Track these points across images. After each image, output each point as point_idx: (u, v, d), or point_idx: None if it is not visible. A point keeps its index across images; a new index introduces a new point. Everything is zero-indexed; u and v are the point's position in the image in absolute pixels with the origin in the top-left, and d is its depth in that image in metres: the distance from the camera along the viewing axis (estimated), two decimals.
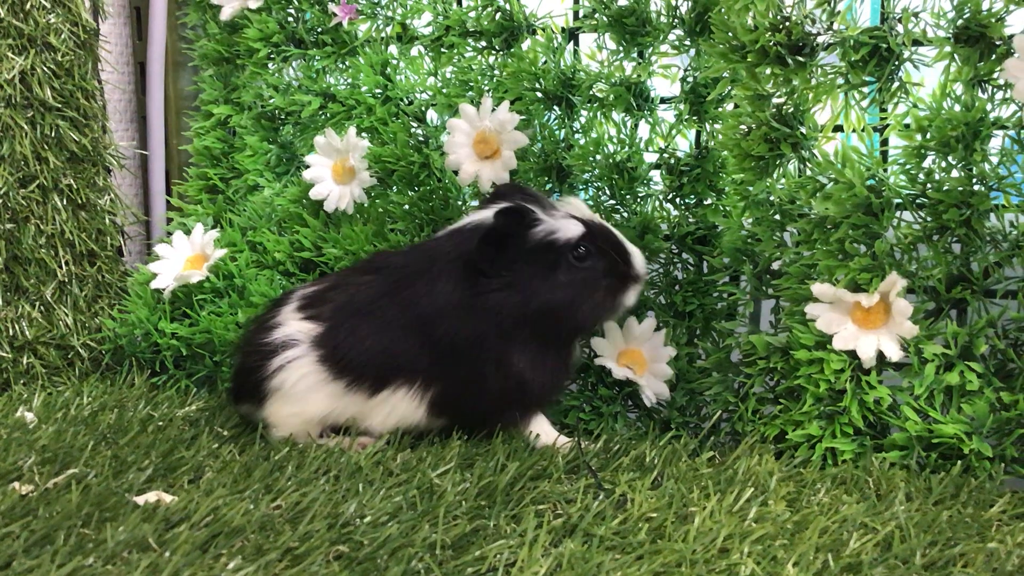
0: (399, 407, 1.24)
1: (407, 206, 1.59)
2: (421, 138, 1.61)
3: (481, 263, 1.20)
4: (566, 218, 1.23)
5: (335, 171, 1.61)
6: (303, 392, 1.23)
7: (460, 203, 1.58)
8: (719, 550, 0.91)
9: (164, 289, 1.59)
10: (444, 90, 1.58)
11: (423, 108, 1.62)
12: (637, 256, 1.26)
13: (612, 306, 1.26)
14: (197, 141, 1.78)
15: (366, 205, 1.61)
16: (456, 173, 1.50)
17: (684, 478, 1.10)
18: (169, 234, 1.68)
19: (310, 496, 1.02)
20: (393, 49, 1.64)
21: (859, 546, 0.91)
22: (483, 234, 1.20)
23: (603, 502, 1.03)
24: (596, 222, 1.26)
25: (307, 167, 1.61)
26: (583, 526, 0.97)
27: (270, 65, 1.72)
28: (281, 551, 0.89)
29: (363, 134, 1.59)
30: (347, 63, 1.66)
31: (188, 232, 1.64)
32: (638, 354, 1.40)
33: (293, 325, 1.26)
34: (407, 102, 1.63)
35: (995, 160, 1.19)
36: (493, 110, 1.47)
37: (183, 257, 1.62)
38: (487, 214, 1.24)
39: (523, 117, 1.46)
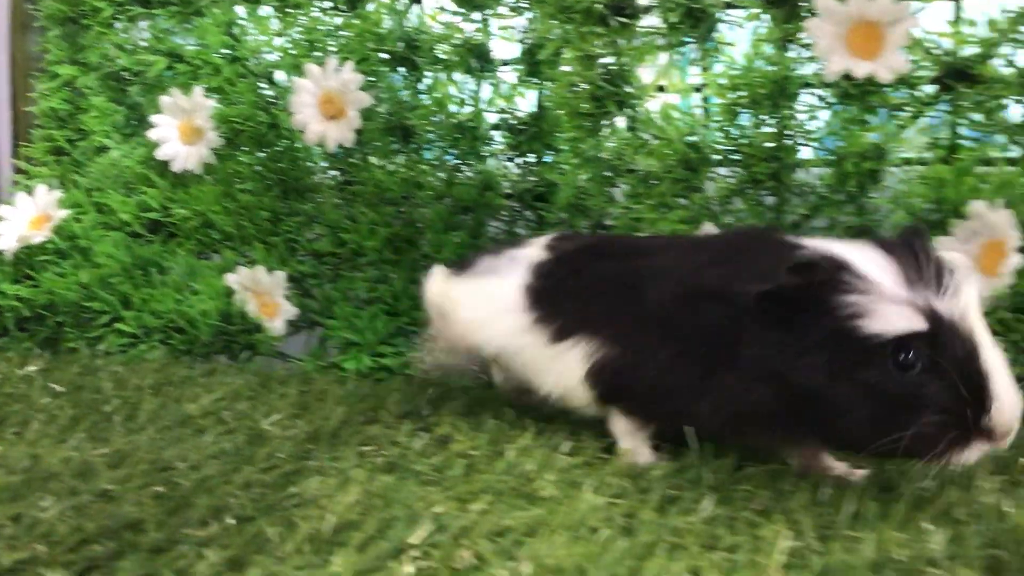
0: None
1: (256, 167, 1.60)
2: (269, 99, 1.61)
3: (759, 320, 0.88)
4: (903, 303, 0.83)
5: (182, 131, 1.61)
6: None
7: (309, 163, 1.59)
8: (526, 479, 0.96)
9: (5, 250, 1.57)
10: (292, 51, 1.59)
11: (271, 69, 1.62)
12: (1008, 402, 0.82)
13: (937, 456, 0.83)
14: (43, 102, 1.75)
15: (214, 166, 1.61)
16: (302, 133, 1.51)
17: (506, 417, 1.15)
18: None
19: (135, 443, 1.04)
20: (240, 9, 1.64)
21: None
22: (766, 291, 0.87)
23: (430, 444, 1.08)
24: (952, 320, 0.83)
25: (152, 127, 1.60)
26: (403, 464, 1.01)
27: (116, 25, 1.70)
28: (96, 493, 0.91)
29: (211, 94, 1.59)
30: (194, 23, 1.66)
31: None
32: None
33: None
34: (254, 62, 1.63)
35: (802, 116, 1.27)
36: (338, 70, 1.49)
37: (26, 218, 1.60)
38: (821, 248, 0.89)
39: (368, 78, 1.49)
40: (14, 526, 0.81)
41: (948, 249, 1.14)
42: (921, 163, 1.22)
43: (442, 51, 1.50)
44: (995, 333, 1.09)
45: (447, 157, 1.51)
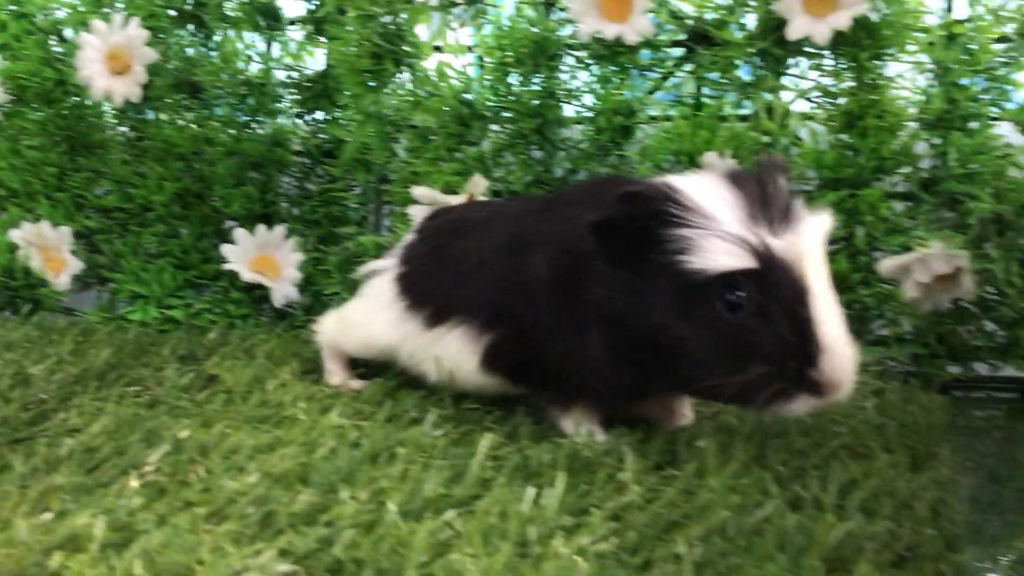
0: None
1: (44, 123, 1.59)
2: (57, 55, 1.60)
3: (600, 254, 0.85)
4: (732, 240, 0.78)
5: None
6: None
7: (98, 120, 1.59)
8: (279, 407, 1.02)
9: None
10: (80, 7, 1.58)
11: (58, 25, 1.61)
12: (838, 355, 0.75)
13: (760, 407, 0.78)
14: None
15: (1, 122, 1.59)
16: (89, 88, 1.51)
17: (276, 357, 1.20)
18: None
19: None
20: None
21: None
22: (599, 220, 0.83)
23: (195, 380, 1.12)
24: (785, 261, 0.77)
25: None
26: (166, 400, 1.05)
27: None
28: None
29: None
30: None
31: None
32: (271, 260, 1.49)
33: None
34: (42, 18, 1.61)
35: (564, 75, 1.36)
36: (124, 26, 1.50)
37: None
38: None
39: (156, 35, 1.50)
40: None
41: None
42: (667, 119, 1.33)
43: (230, 8, 1.52)
44: None
45: (236, 114, 1.54)
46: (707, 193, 0.80)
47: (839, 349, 0.75)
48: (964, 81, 1.20)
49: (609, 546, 0.67)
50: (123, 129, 1.59)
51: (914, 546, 0.66)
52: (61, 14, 1.61)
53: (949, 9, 1.25)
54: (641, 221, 0.81)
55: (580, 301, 0.87)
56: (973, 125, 1.19)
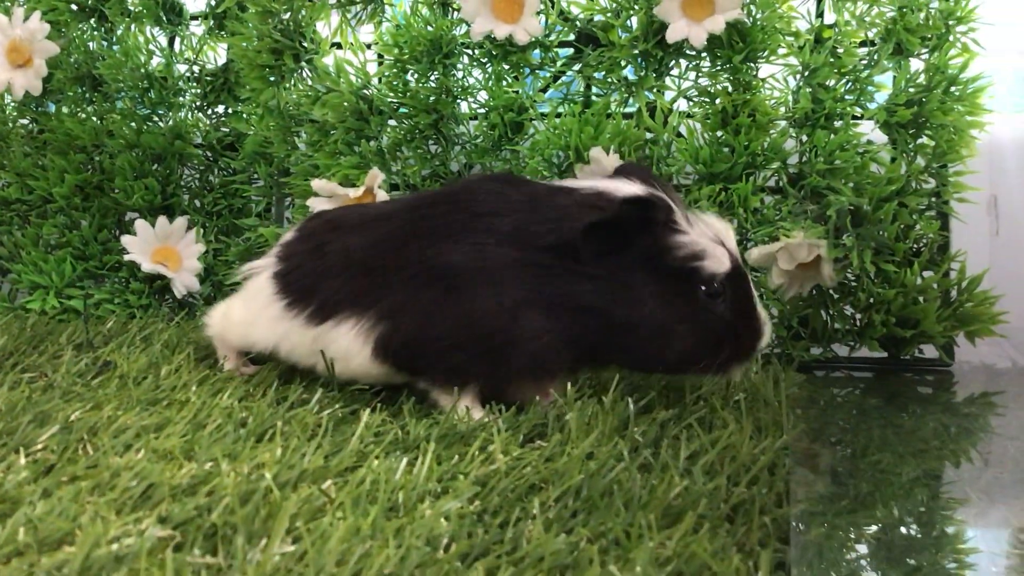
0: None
1: None
2: None
3: (584, 251, 0.93)
4: (713, 240, 0.96)
5: None
6: None
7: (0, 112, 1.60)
8: (172, 390, 1.05)
9: None
10: None
11: None
12: (767, 328, 0.99)
13: (718, 372, 0.97)
14: None
15: None
16: None
17: (172, 345, 1.23)
18: None
19: None
20: None
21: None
22: (597, 221, 0.92)
23: (90, 367, 1.14)
24: (738, 258, 0.99)
25: None
26: (61, 385, 1.07)
27: None
28: None
29: None
30: None
31: None
32: (172, 251, 1.51)
33: None
34: None
35: (459, 73, 1.41)
36: (25, 20, 1.50)
37: None
38: (598, 187, 0.99)
39: (57, 29, 1.51)
40: None
41: None
42: (558, 116, 1.39)
43: (131, 3, 1.54)
44: None
45: (138, 107, 1.56)
46: (674, 202, 0.96)
47: (767, 328, 0.98)
48: (830, 82, 1.29)
49: (472, 508, 0.73)
50: (24, 122, 1.59)
51: (746, 502, 0.73)
52: None
53: (820, 15, 1.33)
54: (643, 224, 0.93)
55: (510, 288, 0.94)
56: (837, 124, 1.28)
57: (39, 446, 0.86)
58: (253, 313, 1.10)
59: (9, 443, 0.86)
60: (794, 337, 1.24)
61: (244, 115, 1.53)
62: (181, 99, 1.56)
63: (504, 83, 1.39)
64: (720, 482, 0.74)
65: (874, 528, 0.74)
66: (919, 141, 1.27)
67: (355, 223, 1.07)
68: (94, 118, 1.55)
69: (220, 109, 1.56)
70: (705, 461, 0.79)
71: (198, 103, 1.55)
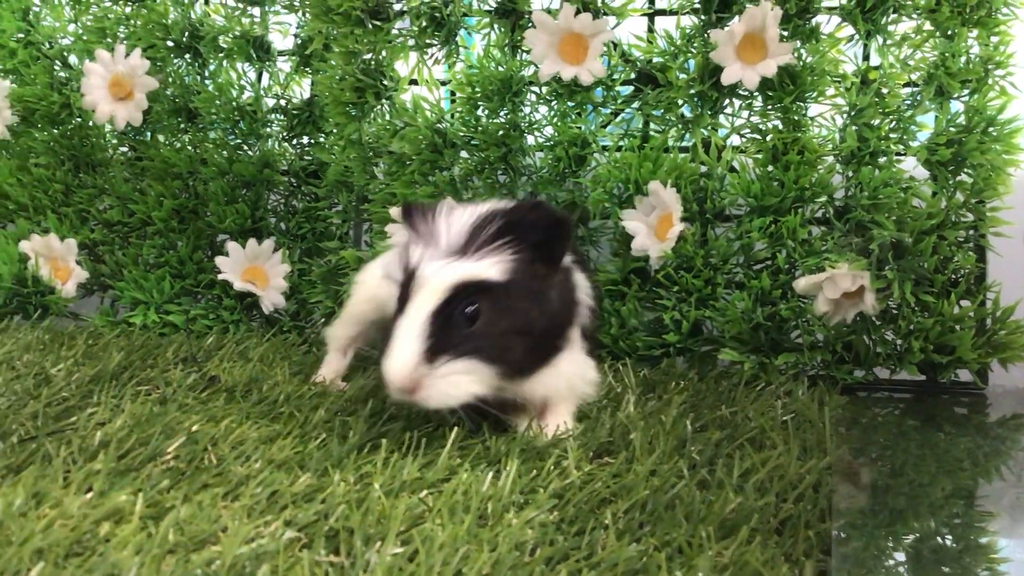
0: None
1: (50, 143, 1.73)
2: (62, 80, 1.74)
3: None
4: None
5: None
6: None
7: (101, 140, 1.74)
8: (275, 404, 1.17)
9: None
10: (83, 36, 1.72)
11: (64, 52, 1.75)
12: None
13: None
14: None
15: (9, 142, 1.73)
16: (93, 112, 1.66)
17: (268, 360, 1.36)
18: None
19: None
20: None
21: None
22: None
23: (199, 380, 1.27)
24: None
25: None
26: (173, 398, 1.20)
27: None
28: None
29: (6, 75, 1.71)
30: None
31: None
32: (260, 271, 1.64)
33: None
34: (49, 46, 1.75)
35: (527, 109, 1.52)
36: (127, 56, 1.64)
37: None
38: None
39: (155, 63, 1.65)
40: None
41: (632, 220, 1.42)
42: (617, 150, 1.49)
43: (224, 41, 1.67)
44: (663, 285, 1.38)
45: (229, 137, 1.69)
46: None
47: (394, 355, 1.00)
48: (875, 122, 1.38)
49: (552, 518, 0.84)
50: (124, 150, 1.73)
51: (793, 516, 0.83)
52: (66, 42, 1.76)
53: (866, 58, 1.42)
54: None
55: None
56: (881, 160, 1.37)
57: (168, 456, 0.99)
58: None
59: (144, 453, 0.98)
60: (838, 361, 1.33)
61: (327, 146, 1.65)
62: (268, 130, 1.69)
63: (568, 120, 1.50)
64: (770, 499, 0.84)
65: (910, 539, 0.84)
66: (959, 178, 1.35)
67: None
68: (189, 147, 1.68)
69: (304, 140, 1.68)
70: (756, 479, 0.90)
71: (284, 134, 1.68)
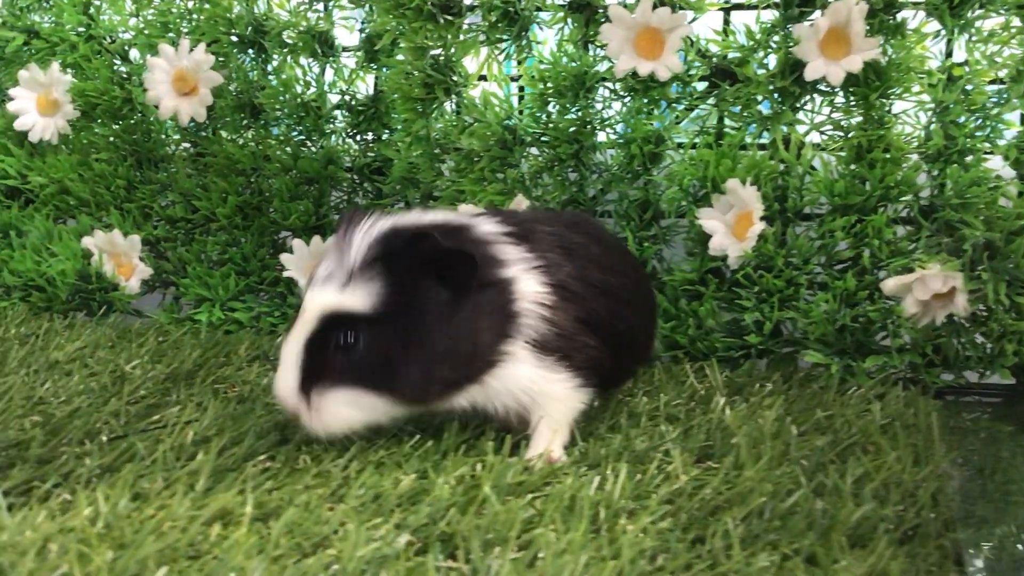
0: None
1: (111, 138, 1.72)
2: (124, 75, 1.73)
3: None
4: None
5: (39, 103, 1.71)
6: None
7: (163, 136, 1.73)
8: None
9: None
10: (145, 31, 1.71)
11: (126, 47, 1.74)
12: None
13: None
14: None
15: (70, 136, 1.72)
16: (156, 107, 1.64)
17: None
18: None
19: (9, 384, 1.18)
20: None
21: None
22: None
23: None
24: None
25: (10, 100, 1.70)
26: (252, 396, 1.19)
27: None
28: None
29: (67, 69, 1.70)
30: (50, 2, 1.75)
31: None
32: None
33: None
34: (110, 40, 1.74)
35: (599, 105, 1.50)
36: (191, 51, 1.63)
37: None
38: None
39: (219, 59, 1.63)
40: None
41: (710, 219, 1.40)
42: (693, 147, 1.47)
43: (288, 36, 1.65)
44: (742, 285, 1.35)
45: (293, 134, 1.67)
46: None
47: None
48: (961, 119, 1.34)
49: (666, 525, 0.81)
50: (186, 145, 1.72)
51: (918, 527, 0.80)
52: (127, 36, 1.74)
53: (949, 54, 1.39)
54: None
55: None
56: (968, 159, 1.34)
57: (262, 456, 0.97)
58: None
59: (237, 452, 0.97)
60: (927, 364, 1.30)
61: (392, 142, 1.63)
62: (332, 126, 1.67)
63: (642, 116, 1.47)
64: (894, 508, 0.82)
65: None
66: None
67: None
68: (252, 143, 1.67)
69: (368, 136, 1.66)
70: (872, 486, 0.87)
71: (349, 131, 1.66)
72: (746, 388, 1.23)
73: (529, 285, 1.01)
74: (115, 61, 1.74)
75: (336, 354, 0.96)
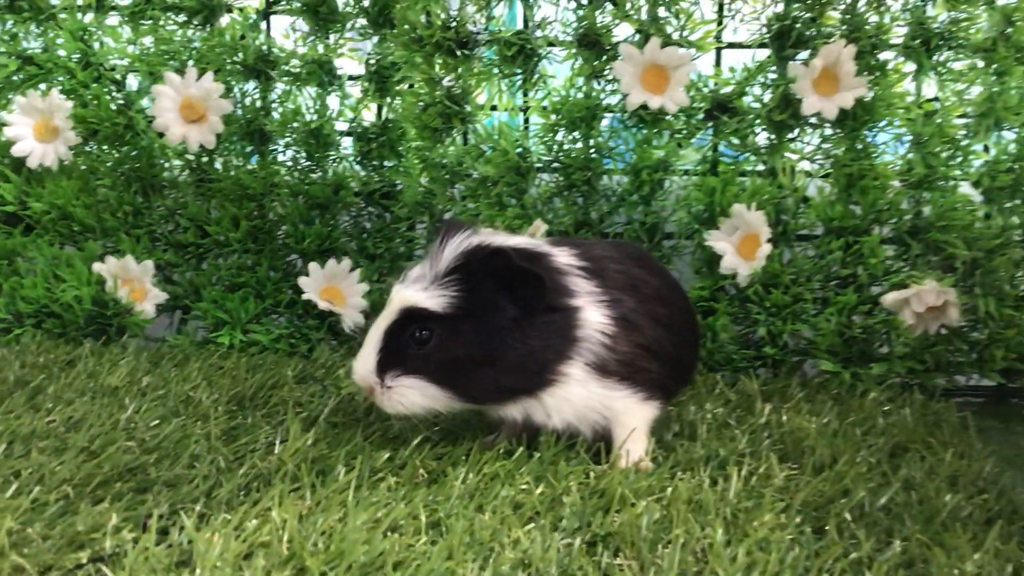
0: None
1: (110, 163, 1.72)
2: (121, 101, 1.73)
3: None
4: None
5: (37, 130, 1.70)
6: None
7: (164, 163, 1.74)
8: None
9: None
10: (143, 58, 1.71)
11: (123, 74, 1.74)
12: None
13: None
14: None
15: (72, 163, 1.71)
16: (163, 135, 1.66)
17: None
18: None
19: (79, 411, 1.19)
20: (90, 17, 1.74)
21: None
22: None
23: (330, 399, 1.30)
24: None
25: (6, 125, 1.69)
26: (323, 417, 1.23)
27: None
28: (77, 449, 1.06)
29: (65, 96, 1.69)
30: (42, 28, 1.74)
31: None
32: (337, 290, 1.67)
33: None
34: (108, 67, 1.74)
35: (606, 135, 1.61)
36: (198, 79, 1.65)
37: None
38: None
39: (225, 87, 1.66)
40: (30, 476, 0.97)
41: (718, 240, 1.52)
42: (695, 174, 1.59)
43: (293, 66, 1.70)
44: (751, 301, 1.48)
45: (300, 160, 1.71)
46: None
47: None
48: (937, 149, 1.51)
49: (783, 520, 0.92)
50: (188, 171, 1.73)
51: (999, 513, 0.94)
52: (124, 63, 1.74)
53: (918, 93, 1.56)
54: None
55: None
56: (945, 184, 1.51)
57: (381, 471, 1.03)
58: None
59: (362, 470, 1.02)
60: (924, 369, 1.46)
61: (402, 168, 1.69)
62: (339, 152, 1.72)
63: (647, 146, 1.58)
64: (978, 497, 0.95)
65: None
66: (1015, 202, 1.50)
67: None
68: (260, 169, 1.70)
69: (375, 162, 1.72)
70: (940, 480, 1.00)
71: (357, 157, 1.71)
72: (775, 395, 1.36)
73: (594, 315, 1.10)
74: (112, 88, 1.74)
75: (411, 345, 1.08)
